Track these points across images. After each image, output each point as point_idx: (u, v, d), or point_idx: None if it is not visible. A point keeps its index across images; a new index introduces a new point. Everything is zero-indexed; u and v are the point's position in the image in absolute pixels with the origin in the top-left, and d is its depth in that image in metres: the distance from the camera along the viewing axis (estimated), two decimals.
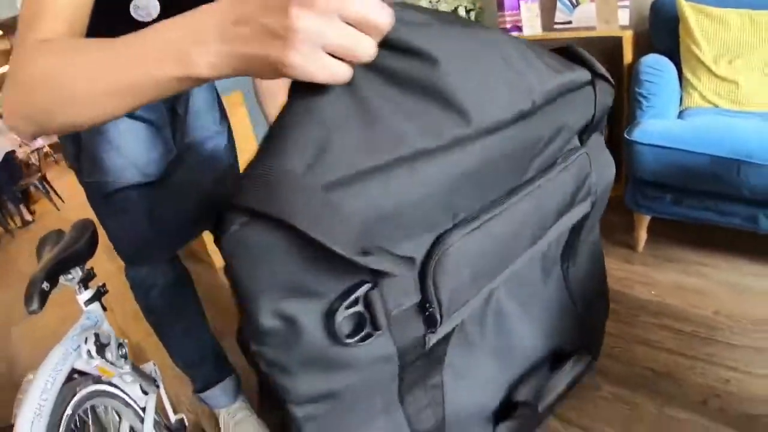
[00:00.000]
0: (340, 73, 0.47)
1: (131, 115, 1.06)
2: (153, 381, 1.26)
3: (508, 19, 2.53)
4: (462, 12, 2.69)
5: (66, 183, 6.81)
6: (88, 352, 1.06)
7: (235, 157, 1.33)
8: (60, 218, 5.27)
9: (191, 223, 1.23)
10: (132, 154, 1.08)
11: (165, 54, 0.47)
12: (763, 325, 1.43)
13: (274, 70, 0.45)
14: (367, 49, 0.46)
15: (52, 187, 5.89)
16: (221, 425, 1.45)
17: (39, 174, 6.20)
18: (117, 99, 0.51)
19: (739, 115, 1.77)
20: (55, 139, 10.83)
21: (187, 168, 1.18)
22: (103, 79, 0.50)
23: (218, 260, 2.45)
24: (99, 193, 1.12)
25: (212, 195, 1.22)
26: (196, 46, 0.46)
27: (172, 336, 1.38)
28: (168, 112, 1.13)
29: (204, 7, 0.47)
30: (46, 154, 9.18)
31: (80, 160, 1.11)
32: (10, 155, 6.04)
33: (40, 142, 10.07)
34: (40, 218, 5.62)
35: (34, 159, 7.84)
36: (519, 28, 2.51)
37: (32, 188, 6.18)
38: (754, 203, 1.54)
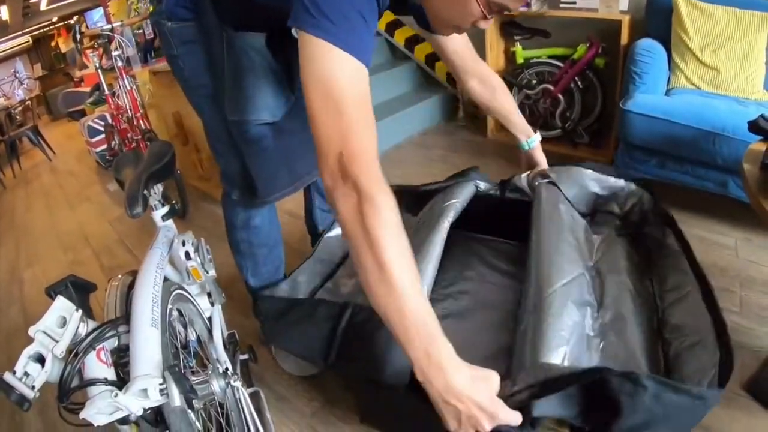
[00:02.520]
0: None
1: (266, 61, 1.22)
2: (219, 293, 1.37)
3: None
4: None
5: (53, 135, 6.80)
6: (186, 253, 1.20)
7: None
8: (54, 168, 5.27)
9: (308, 160, 1.37)
10: (267, 95, 1.25)
11: (418, 356, 0.78)
12: (727, 272, 1.70)
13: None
14: None
15: (44, 138, 5.86)
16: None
17: (31, 125, 6.15)
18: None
19: (718, 98, 2.03)
20: (36, 93, 10.68)
21: (300, 109, 1.35)
22: (395, 323, 0.79)
23: None
24: (240, 129, 1.28)
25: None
26: (433, 374, 0.78)
27: (257, 253, 1.55)
28: (288, 65, 1.29)
29: (459, 369, 0.79)
30: (27, 108, 9.02)
31: (223, 100, 1.26)
32: None
33: (21, 95, 9.92)
34: (33, 169, 5.60)
35: (14, 113, 7.71)
36: (528, 4, 2.70)
37: (19, 140, 6.12)
38: (725, 170, 1.79)
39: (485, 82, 1.50)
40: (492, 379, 0.82)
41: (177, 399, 0.76)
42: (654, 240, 1.41)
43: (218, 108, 1.29)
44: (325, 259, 1.65)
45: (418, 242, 1.32)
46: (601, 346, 1.13)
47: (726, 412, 1.22)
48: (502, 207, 1.64)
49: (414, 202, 1.75)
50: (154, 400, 0.76)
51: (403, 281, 0.76)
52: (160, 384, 0.76)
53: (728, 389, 1.26)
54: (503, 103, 1.53)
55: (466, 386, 0.77)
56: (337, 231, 1.71)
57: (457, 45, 1.40)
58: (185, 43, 1.26)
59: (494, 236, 1.75)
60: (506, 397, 0.89)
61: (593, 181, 1.54)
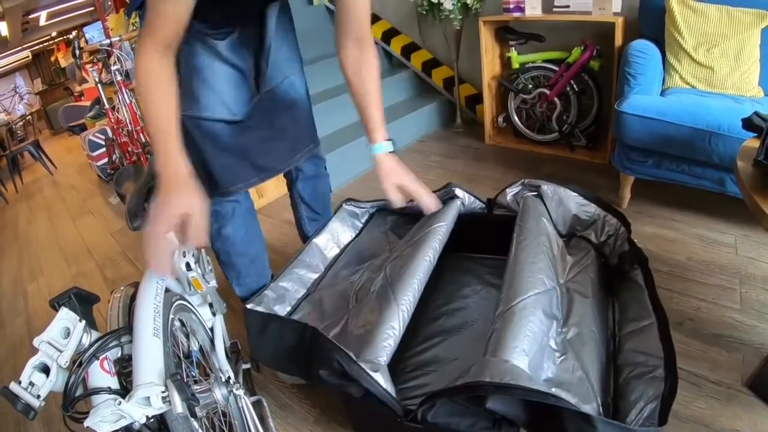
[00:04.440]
0: None
1: (226, 61, 1.26)
2: (221, 303, 1.37)
3: (512, 0, 2.74)
4: None
5: (54, 149, 6.83)
6: (187, 264, 1.20)
7: (306, 89, 1.53)
8: (55, 182, 5.30)
9: (272, 157, 1.44)
10: (223, 94, 1.28)
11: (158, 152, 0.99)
12: (727, 270, 1.71)
13: None
14: None
15: (45, 153, 5.89)
16: None
17: (32, 140, 6.18)
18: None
19: (713, 96, 2.04)
20: (37, 107, 10.74)
21: (266, 108, 1.38)
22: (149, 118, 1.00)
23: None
24: (193, 124, 1.29)
25: (287, 130, 1.43)
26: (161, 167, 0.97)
27: (237, 263, 1.56)
28: (255, 66, 1.33)
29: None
30: (28, 123, 9.07)
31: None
32: None
33: (22, 110, 9.98)
34: (35, 183, 5.63)
35: (15, 128, 7.76)
36: (521, 9, 2.73)
37: (20, 155, 6.14)
38: (722, 168, 1.80)
39: (362, 45, 1.31)
40: (172, 207, 0.97)
41: (179, 407, 0.77)
42: (621, 273, 1.47)
43: None
44: (311, 264, 1.66)
45: (403, 263, 1.35)
46: (560, 360, 1.17)
47: (728, 408, 1.22)
48: (491, 224, 1.68)
49: (400, 223, 1.79)
50: (157, 407, 0.77)
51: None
52: (163, 392, 0.78)
53: (730, 386, 1.27)
54: (366, 81, 1.33)
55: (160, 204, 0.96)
56: (324, 236, 1.72)
57: (361, 12, 1.25)
58: None
59: (485, 253, 1.77)
60: (452, 384, 0.99)
61: (576, 204, 1.57)
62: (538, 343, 1.10)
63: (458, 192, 1.62)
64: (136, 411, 0.76)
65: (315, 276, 1.64)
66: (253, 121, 1.36)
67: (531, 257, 1.31)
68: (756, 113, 1.36)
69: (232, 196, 1.46)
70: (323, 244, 1.71)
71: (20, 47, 10.43)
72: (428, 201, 1.42)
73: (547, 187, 1.57)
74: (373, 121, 1.34)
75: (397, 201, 1.36)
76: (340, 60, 1.33)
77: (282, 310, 1.49)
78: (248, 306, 1.40)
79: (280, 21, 1.36)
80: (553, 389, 1.03)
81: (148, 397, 0.77)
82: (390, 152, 1.35)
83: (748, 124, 1.37)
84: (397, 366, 1.19)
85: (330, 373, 1.10)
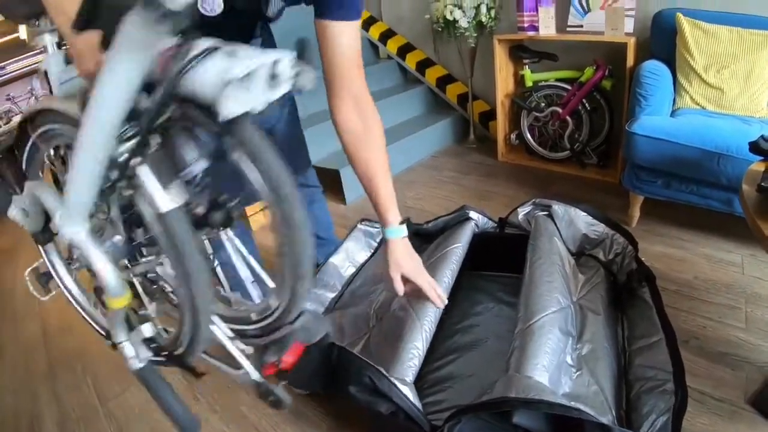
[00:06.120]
0: None
1: None
2: None
3: (526, 19, 2.80)
4: (483, 10, 2.95)
5: None
6: None
7: (296, 118, 1.55)
8: None
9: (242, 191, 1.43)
10: None
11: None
12: (733, 289, 1.73)
13: None
14: None
15: None
16: None
17: None
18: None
19: (722, 117, 2.07)
20: None
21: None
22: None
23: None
24: None
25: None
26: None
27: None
28: None
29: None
30: None
31: None
32: None
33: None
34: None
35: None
36: (535, 28, 2.78)
37: None
38: (730, 189, 1.82)
39: (360, 108, 1.16)
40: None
41: None
42: (629, 290, 1.52)
43: None
44: (329, 283, 1.71)
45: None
46: (576, 375, 1.21)
47: (731, 425, 1.25)
48: (503, 242, 1.74)
49: (416, 243, 1.83)
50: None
51: None
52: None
53: (733, 403, 1.30)
54: (375, 151, 1.18)
55: None
56: (340, 256, 1.77)
57: (351, 40, 1.11)
58: None
59: (498, 271, 1.81)
60: (478, 401, 1.04)
61: (585, 223, 1.63)
62: (556, 359, 1.15)
63: (472, 214, 1.68)
64: None
65: (332, 295, 1.69)
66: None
67: (546, 276, 1.36)
68: (762, 137, 1.39)
69: None
70: (339, 263, 1.76)
71: (38, 50, 10.63)
72: (433, 297, 1.33)
73: (557, 207, 1.62)
74: (382, 205, 1.23)
75: (400, 291, 1.31)
76: (337, 127, 1.19)
77: None
78: None
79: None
80: (572, 403, 1.06)
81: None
82: (403, 237, 1.28)
83: (754, 147, 1.40)
84: (415, 383, 1.23)
85: (360, 389, 1.12)
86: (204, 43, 0.65)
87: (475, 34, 3.07)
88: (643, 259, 1.68)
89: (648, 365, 1.25)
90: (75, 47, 0.76)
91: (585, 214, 1.62)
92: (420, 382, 1.42)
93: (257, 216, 2.62)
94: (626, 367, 1.31)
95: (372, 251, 1.86)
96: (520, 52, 2.96)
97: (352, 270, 1.78)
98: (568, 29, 2.69)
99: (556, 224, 1.59)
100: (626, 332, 1.42)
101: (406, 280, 1.31)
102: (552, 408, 0.94)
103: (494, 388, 1.06)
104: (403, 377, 1.17)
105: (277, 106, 1.48)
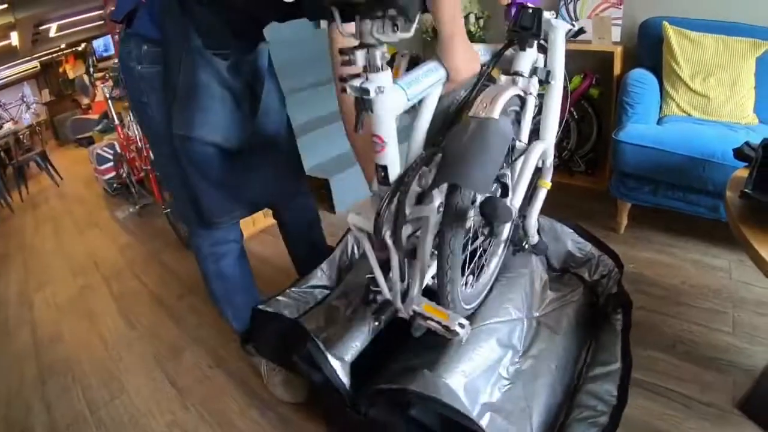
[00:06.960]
0: None
1: (224, 83, 1.23)
2: None
3: None
4: (472, 19, 2.97)
5: (60, 160, 6.88)
6: None
7: (291, 130, 1.56)
8: (61, 194, 5.35)
9: (259, 190, 1.44)
10: (218, 116, 1.25)
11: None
12: (720, 294, 1.76)
13: None
14: None
15: (51, 164, 5.94)
16: (262, 372, 1.66)
17: (39, 150, 6.25)
18: None
19: (708, 124, 2.10)
20: (43, 117, 10.85)
21: (256, 141, 1.38)
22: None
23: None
24: (184, 147, 1.26)
25: (276, 164, 1.47)
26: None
27: (235, 300, 1.59)
28: (247, 89, 1.31)
29: None
30: (35, 132, 9.16)
31: (171, 111, 1.23)
32: None
33: (28, 119, 10.07)
34: (41, 193, 5.68)
35: (22, 137, 7.84)
36: None
37: (26, 165, 6.17)
38: (716, 195, 1.85)
39: None
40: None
41: None
42: (604, 314, 1.53)
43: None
44: (324, 275, 1.73)
45: None
46: (506, 388, 1.24)
47: (718, 430, 1.26)
48: None
49: None
50: None
51: None
52: None
53: (721, 408, 1.32)
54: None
55: None
56: (337, 251, 1.78)
57: None
58: (156, 90, 1.23)
59: None
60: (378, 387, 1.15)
61: (572, 241, 1.64)
62: (482, 368, 1.19)
63: None
64: None
65: (328, 286, 1.71)
66: (244, 152, 1.35)
67: (506, 287, 1.40)
68: (747, 143, 1.41)
69: (221, 231, 1.47)
70: (336, 258, 1.76)
71: (30, 57, 10.55)
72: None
73: (544, 221, 1.62)
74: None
75: None
76: None
77: (291, 315, 1.57)
78: (260, 306, 1.55)
79: (269, 62, 1.40)
80: (488, 413, 1.14)
81: None
82: None
83: (738, 153, 1.43)
84: (381, 372, 1.30)
85: (301, 359, 1.24)
86: None
87: None
88: (631, 266, 1.71)
89: (593, 393, 1.27)
90: None
91: (572, 231, 1.63)
92: (386, 372, 1.35)
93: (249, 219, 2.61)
94: (574, 392, 1.31)
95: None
96: None
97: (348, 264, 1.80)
98: None
99: (541, 237, 1.59)
100: (590, 356, 1.43)
101: None
102: (443, 408, 1.02)
103: (402, 380, 1.14)
104: (342, 356, 1.24)
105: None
